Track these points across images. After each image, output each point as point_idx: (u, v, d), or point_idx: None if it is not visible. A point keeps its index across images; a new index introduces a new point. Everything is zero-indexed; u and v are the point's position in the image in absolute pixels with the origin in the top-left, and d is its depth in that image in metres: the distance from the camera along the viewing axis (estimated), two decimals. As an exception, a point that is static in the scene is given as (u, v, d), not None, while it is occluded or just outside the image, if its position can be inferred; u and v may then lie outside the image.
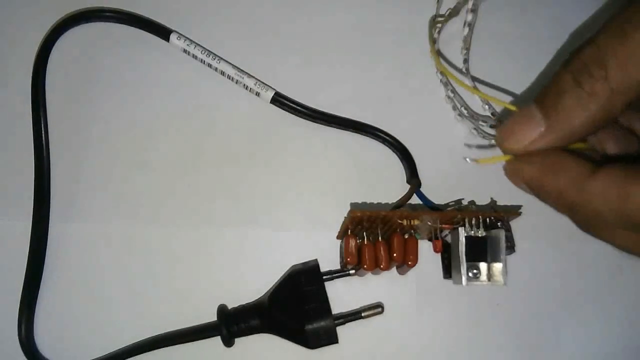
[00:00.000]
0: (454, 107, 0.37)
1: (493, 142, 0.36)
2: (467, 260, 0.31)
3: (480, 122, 0.36)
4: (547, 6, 0.39)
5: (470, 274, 0.31)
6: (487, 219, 0.32)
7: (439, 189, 0.35)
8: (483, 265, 0.31)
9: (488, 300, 0.35)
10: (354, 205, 0.35)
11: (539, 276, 0.35)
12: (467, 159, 0.27)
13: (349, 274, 0.33)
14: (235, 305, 0.33)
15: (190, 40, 0.36)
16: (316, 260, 0.34)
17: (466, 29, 0.37)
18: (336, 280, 0.33)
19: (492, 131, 0.36)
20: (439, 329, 0.34)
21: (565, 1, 0.40)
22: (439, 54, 0.38)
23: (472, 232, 0.31)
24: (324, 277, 0.33)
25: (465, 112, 0.36)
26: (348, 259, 0.32)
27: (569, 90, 0.24)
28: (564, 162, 0.24)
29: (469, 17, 0.37)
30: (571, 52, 0.24)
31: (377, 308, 0.33)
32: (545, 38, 0.39)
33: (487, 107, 0.37)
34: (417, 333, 0.34)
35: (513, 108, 0.26)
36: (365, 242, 0.32)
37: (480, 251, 0.31)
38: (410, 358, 0.34)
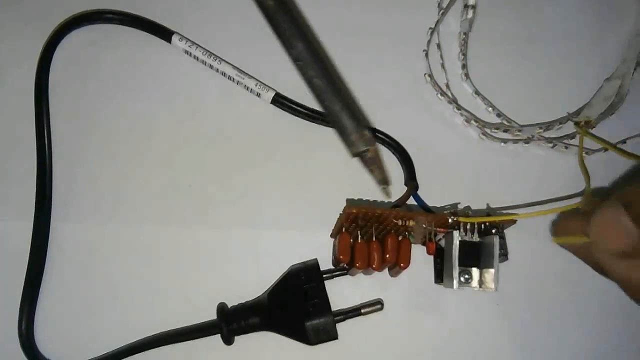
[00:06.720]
0: (462, 114, 0.37)
1: (502, 144, 0.37)
2: (460, 265, 0.31)
3: (487, 128, 0.37)
4: (547, 6, 0.39)
5: (462, 279, 0.31)
6: (482, 225, 0.32)
7: (436, 192, 0.35)
8: (475, 271, 0.31)
9: (479, 304, 0.35)
10: (350, 201, 0.35)
11: (530, 279, 0.35)
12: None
13: (345, 273, 0.33)
14: (235, 303, 0.33)
15: (192, 42, 0.37)
16: (316, 259, 0.34)
17: (462, 35, 0.37)
18: (327, 282, 0.33)
19: (503, 135, 0.36)
20: (430, 330, 0.35)
21: (565, 1, 0.39)
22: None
23: (467, 237, 0.31)
24: (324, 275, 0.33)
25: (472, 119, 0.37)
26: (341, 257, 0.32)
27: None
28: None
29: (464, 25, 0.37)
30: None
31: (376, 305, 0.34)
32: (545, 38, 0.39)
33: (491, 109, 0.37)
34: (410, 334, 0.35)
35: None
36: (359, 241, 0.32)
37: (473, 256, 0.31)
38: (408, 355, 0.35)
